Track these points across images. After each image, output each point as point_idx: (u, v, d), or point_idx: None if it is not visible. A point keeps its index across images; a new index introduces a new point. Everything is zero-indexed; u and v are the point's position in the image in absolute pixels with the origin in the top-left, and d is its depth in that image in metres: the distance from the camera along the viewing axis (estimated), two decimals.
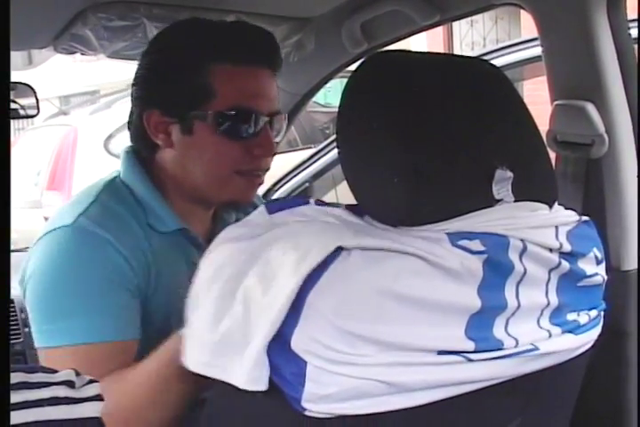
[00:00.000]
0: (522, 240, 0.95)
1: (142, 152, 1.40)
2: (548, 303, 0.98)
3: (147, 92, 1.34)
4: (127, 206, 1.34)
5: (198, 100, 1.29)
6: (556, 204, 1.05)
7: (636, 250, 1.42)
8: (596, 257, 1.06)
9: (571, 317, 1.02)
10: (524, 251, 0.95)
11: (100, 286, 1.24)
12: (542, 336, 0.97)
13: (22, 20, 1.39)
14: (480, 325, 0.91)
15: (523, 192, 0.97)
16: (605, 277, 1.08)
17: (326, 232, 0.93)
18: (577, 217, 1.07)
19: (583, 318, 1.04)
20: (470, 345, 0.90)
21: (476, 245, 0.91)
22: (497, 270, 0.92)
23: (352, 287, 0.86)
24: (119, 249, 1.27)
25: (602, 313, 1.08)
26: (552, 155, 1.29)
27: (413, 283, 0.87)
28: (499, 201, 0.95)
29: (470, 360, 0.90)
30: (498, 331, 0.93)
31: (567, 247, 0.99)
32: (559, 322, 1.00)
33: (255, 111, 1.30)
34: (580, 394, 1.11)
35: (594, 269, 1.05)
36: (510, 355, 0.93)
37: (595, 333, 1.06)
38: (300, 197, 1.02)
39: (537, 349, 0.96)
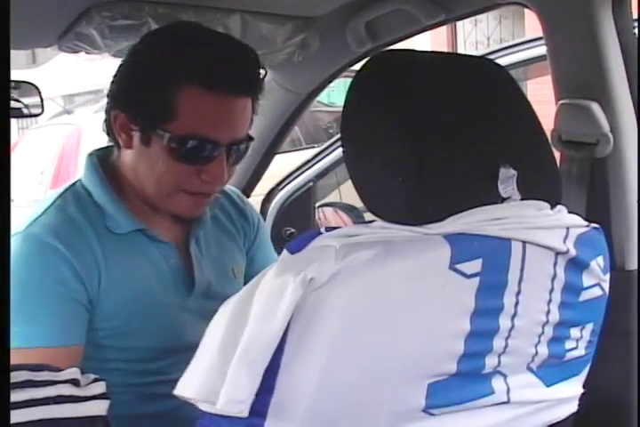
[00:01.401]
0: (524, 251, 0.95)
1: (107, 152, 1.42)
2: (547, 321, 0.99)
3: (117, 93, 1.33)
4: (84, 210, 1.35)
5: (158, 117, 1.26)
6: (561, 206, 1.05)
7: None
8: (600, 266, 1.05)
9: (568, 344, 1.03)
10: (524, 254, 0.95)
11: (41, 294, 1.28)
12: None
13: (26, 18, 1.39)
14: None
15: (527, 191, 0.97)
16: (607, 291, 1.07)
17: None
18: (585, 223, 1.06)
19: (576, 342, 1.04)
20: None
21: (474, 265, 0.91)
22: (490, 295, 0.93)
23: None
24: (68, 258, 1.29)
25: (594, 339, 1.08)
26: (556, 154, 1.28)
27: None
28: (505, 200, 0.95)
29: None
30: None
31: (572, 253, 0.99)
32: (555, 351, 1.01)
33: (212, 140, 1.27)
34: (583, 394, 1.11)
35: (595, 279, 1.04)
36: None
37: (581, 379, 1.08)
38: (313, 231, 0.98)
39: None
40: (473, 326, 0.91)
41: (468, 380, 0.94)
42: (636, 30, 1.48)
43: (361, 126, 0.99)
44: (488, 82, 1.01)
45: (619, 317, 1.24)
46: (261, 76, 1.33)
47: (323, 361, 0.87)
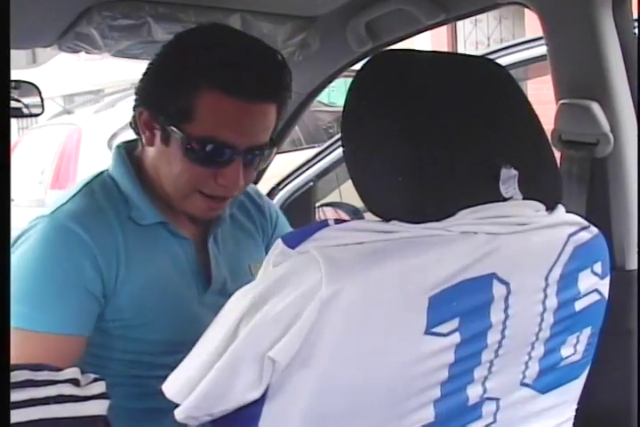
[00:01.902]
0: (507, 284, 0.94)
1: (134, 145, 1.42)
2: (537, 339, 1.00)
3: (143, 91, 1.35)
4: (110, 199, 1.37)
5: (178, 118, 1.27)
6: (560, 207, 1.05)
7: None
8: (597, 273, 1.04)
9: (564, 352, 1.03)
10: (508, 294, 0.94)
11: (54, 280, 1.28)
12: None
13: (27, 18, 1.39)
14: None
15: (528, 191, 0.97)
16: (605, 294, 1.07)
17: None
18: (585, 223, 1.05)
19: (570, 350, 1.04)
20: None
21: (451, 325, 0.91)
22: (471, 343, 0.93)
23: None
24: (88, 245, 1.29)
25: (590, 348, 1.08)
26: (557, 154, 1.28)
27: None
28: (506, 200, 0.95)
29: None
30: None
31: (568, 264, 0.99)
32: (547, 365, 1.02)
33: (229, 145, 1.27)
34: (583, 393, 1.11)
35: (593, 286, 1.04)
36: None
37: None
38: (320, 222, 0.97)
39: None
40: (450, 373, 0.92)
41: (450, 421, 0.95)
42: (636, 30, 1.48)
43: (361, 126, 0.99)
44: (488, 82, 1.01)
45: (619, 317, 1.24)
46: (287, 82, 1.31)
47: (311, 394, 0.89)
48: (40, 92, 1.89)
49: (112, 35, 1.55)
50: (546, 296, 0.98)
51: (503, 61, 2.17)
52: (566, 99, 1.43)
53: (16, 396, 0.69)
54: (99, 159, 5.45)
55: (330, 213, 2.66)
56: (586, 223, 1.05)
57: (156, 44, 1.62)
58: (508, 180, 0.94)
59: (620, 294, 1.17)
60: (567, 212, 1.06)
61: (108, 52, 1.67)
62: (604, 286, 1.07)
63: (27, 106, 1.89)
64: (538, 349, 1.00)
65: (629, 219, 1.41)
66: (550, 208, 1.02)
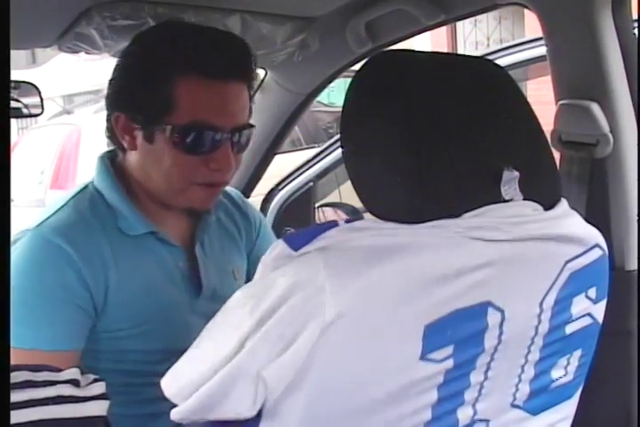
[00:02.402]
0: (502, 311, 0.93)
1: (112, 154, 1.41)
2: (527, 361, 0.99)
3: (115, 95, 1.34)
4: (96, 212, 1.35)
5: (159, 111, 1.27)
6: (564, 204, 1.04)
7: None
8: (591, 298, 1.04)
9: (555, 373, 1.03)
10: (502, 321, 0.94)
11: (42, 296, 1.27)
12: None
13: (26, 18, 1.39)
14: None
15: (527, 192, 0.97)
16: (599, 318, 1.06)
17: None
18: (586, 248, 1.03)
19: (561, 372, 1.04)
20: None
21: (445, 351, 0.91)
22: (462, 368, 0.93)
23: None
24: (73, 260, 1.28)
25: (583, 372, 1.08)
26: (556, 154, 1.28)
27: None
28: (507, 201, 0.95)
29: None
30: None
31: (564, 289, 0.99)
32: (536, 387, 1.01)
33: (214, 127, 1.28)
34: (583, 393, 1.11)
35: (585, 310, 1.03)
36: None
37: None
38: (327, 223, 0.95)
39: None
40: (440, 395, 0.92)
41: None
42: (636, 31, 1.48)
43: (360, 126, 0.99)
44: (488, 82, 1.01)
45: (619, 317, 1.24)
46: (254, 63, 1.34)
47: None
48: (40, 93, 1.89)
49: (112, 35, 1.55)
50: (539, 322, 0.98)
51: (503, 62, 2.17)
52: (566, 99, 1.43)
53: (16, 396, 0.69)
54: None
55: (329, 214, 2.66)
56: (588, 241, 1.03)
57: None
58: (509, 181, 0.94)
59: (619, 294, 1.17)
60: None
61: (108, 53, 1.66)
62: (598, 310, 1.06)
63: (26, 106, 1.88)
64: (528, 371, 1.00)
65: (629, 219, 1.41)
66: (550, 207, 1.02)
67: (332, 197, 3.03)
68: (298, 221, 2.62)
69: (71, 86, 12.82)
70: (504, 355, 0.96)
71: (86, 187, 1.40)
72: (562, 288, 0.98)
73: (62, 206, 1.35)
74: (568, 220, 1.02)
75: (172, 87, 1.26)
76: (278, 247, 0.94)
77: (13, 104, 1.82)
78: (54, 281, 1.27)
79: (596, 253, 1.03)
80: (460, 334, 0.91)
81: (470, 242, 0.92)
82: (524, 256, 0.95)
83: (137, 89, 1.30)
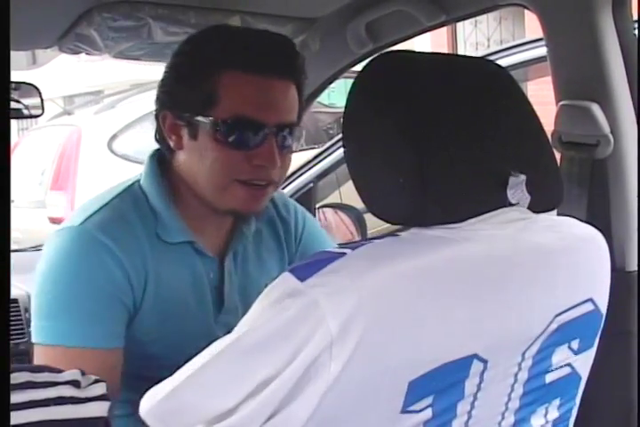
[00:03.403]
0: (485, 362, 0.93)
1: (163, 154, 1.40)
2: (507, 408, 0.99)
3: (163, 94, 1.34)
4: (139, 213, 1.34)
5: (202, 105, 1.27)
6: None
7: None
8: (573, 349, 1.03)
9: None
10: (484, 370, 0.93)
11: (90, 293, 1.26)
12: None
13: (27, 19, 1.39)
14: None
15: (528, 192, 0.97)
16: (578, 370, 1.06)
17: None
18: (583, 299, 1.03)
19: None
20: None
21: (426, 402, 0.90)
22: (442, 416, 0.92)
23: None
24: (120, 258, 1.28)
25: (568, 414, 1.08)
26: (557, 155, 1.28)
27: None
28: (512, 205, 0.95)
29: None
30: None
31: (546, 336, 0.98)
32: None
33: (257, 122, 1.26)
34: (584, 393, 1.11)
35: (565, 360, 1.03)
36: None
37: None
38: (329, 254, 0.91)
39: None
40: None
41: None
42: (636, 31, 1.48)
43: (362, 127, 0.99)
44: (489, 83, 1.01)
45: (619, 318, 1.24)
46: (301, 63, 1.33)
47: None
48: (40, 94, 1.89)
49: (112, 36, 1.55)
50: (519, 369, 0.98)
51: (503, 62, 2.17)
52: (566, 100, 1.43)
53: (16, 397, 0.69)
54: (99, 160, 5.47)
55: (330, 215, 2.65)
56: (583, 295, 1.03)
57: (157, 46, 1.63)
58: (516, 185, 0.94)
59: (620, 295, 1.17)
60: (567, 214, 1.06)
61: (109, 54, 1.67)
62: (579, 361, 1.05)
63: (27, 107, 1.89)
64: (508, 418, 1.00)
65: (629, 220, 1.41)
66: (549, 210, 1.02)
67: (333, 198, 3.03)
68: None
69: (72, 87, 12.83)
70: (485, 402, 0.96)
71: (132, 185, 1.38)
72: (546, 339, 0.99)
73: (106, 204, 1.34)
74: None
75: (215, 82, 1.26)
76: (284, 278, 0.89)
77: (14, 105, 1.82)
78: (101, 276, 1.27)
79: (587, 308, 1.03)
80: (441, 384, 0.91)
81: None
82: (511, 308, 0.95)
83: (182, 85, 1.30)
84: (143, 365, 1.33)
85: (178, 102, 1.31)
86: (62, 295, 1.26)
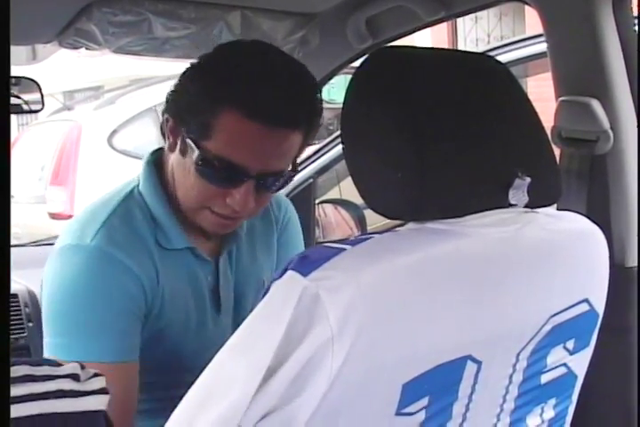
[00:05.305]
0: (479, 363, 0.93)
1: (158, 157, 1.40)
2: (502, 410, 0.99)
3: (171, 99, 1.32)
4: (143, 222, 1.34)
5: (197, 133, 1.25)
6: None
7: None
8: (569, 349, 1.03)
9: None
10: (478, 371, 0.94)
11: (108, 310, 1.27)
12: None
13: (27, 14, 1.39)
14: None
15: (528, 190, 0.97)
16: (574, 369, 1.06)
17: None
18: (578, 300, 1.03)
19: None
20: None
21: (420, 404, 0.90)
22: (436, 418, 0.92)
23: None
24: (135, 273, 1.28)
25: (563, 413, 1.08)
26: (556, 151, 1.28)
27: None
28: (512, 205, 0.95)
29: None
30: None
31: (540, 336, 0.98)
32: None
33: (240, 168, 1.23)
34: (582, 389, 1.11)
35: (561, 360, 1.03)
36: None
37: None
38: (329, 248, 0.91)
39: None
40: None
41: None
42: (637, 27, 1.48)
43: (361, 122, 0.99)
44: (488, 78, 1.01)
45: (618, 314, 1.24)
46: (317, 108, 1.30)
47: None
48: (40, 89, 1.89)
49: (112, 31, 1.55)
50: (514, 371, 0.98)
51: (503, 58, 2.17)
52: (566, 96, 1.43)
53: (16, 391, 0.69)
54: (99, 156, 5.47)
55: (330, 210, 2.66)
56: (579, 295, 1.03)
57: (157, 41, 1.63)
58: (519, 187, 0.94)
59: (619, 291, 1.17)
60: (567, 209, 1.06)
61: (109, 49, 1.67)
62: (574, 360, 1.06)
63: (27, 102, 1.89)
64: (503, 419, 1.00)
65: (629, 216, 1.41)
66: (548, 205, 1.02)
67: (333, 194, 3.03)
68: (298, 217, 2.62)
69: (72, 82, 12.81)
70: (480, 404, 0.96)
71: (132, 192, 1.37)
72: (541, 340, 0.99)
73: (111, 215, 1.33)
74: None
75: (216, 116, 1.22)
76: (287, 273, 0.89)
77: (14, 100, 1.82)
78: (118, 293, 1.27)
79: (583, 309, 1.03)
80: (436, 386, 0.91)
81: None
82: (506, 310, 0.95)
83: (187, 103, 1.27)
84: (145, 368, 1.33)
85: (179, 115, 1.29)
86: (80, 314, 1.26)
